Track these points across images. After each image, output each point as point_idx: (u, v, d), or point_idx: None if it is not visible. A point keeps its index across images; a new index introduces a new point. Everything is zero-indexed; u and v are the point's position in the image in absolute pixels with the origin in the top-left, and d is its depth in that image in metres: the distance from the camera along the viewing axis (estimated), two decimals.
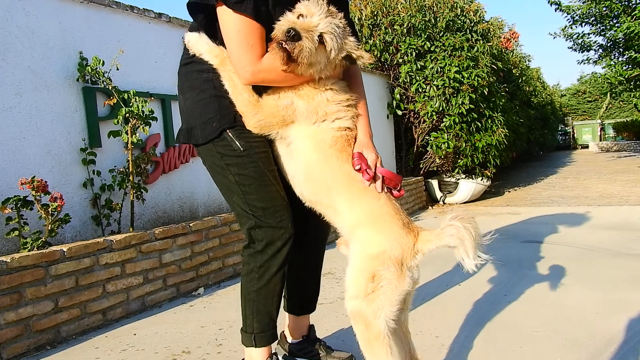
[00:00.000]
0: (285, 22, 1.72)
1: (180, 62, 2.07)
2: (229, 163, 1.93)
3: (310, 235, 2.23)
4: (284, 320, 2.43)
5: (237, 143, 1.90)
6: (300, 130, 1.88)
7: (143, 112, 3.61)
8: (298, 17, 1.72)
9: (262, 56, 1.79)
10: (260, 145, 1.92)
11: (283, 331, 2.44)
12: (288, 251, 1.97)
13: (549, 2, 12.47)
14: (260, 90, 1.90)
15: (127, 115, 3.57)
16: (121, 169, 3.71)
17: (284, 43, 1.69)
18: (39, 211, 3.00)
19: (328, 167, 1.86)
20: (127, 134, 3.62)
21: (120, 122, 3.59)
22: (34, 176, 2.99)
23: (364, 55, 1.85)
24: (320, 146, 1.86)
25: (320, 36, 1.71)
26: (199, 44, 1.93)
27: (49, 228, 3.04)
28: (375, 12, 8.22)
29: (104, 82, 3.59)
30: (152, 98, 4.05)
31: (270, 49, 1.76)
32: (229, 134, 1.91)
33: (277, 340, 2.18)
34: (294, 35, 1.67)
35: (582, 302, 3.07)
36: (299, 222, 2.06)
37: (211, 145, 1.94)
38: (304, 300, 2.38)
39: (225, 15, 1.77)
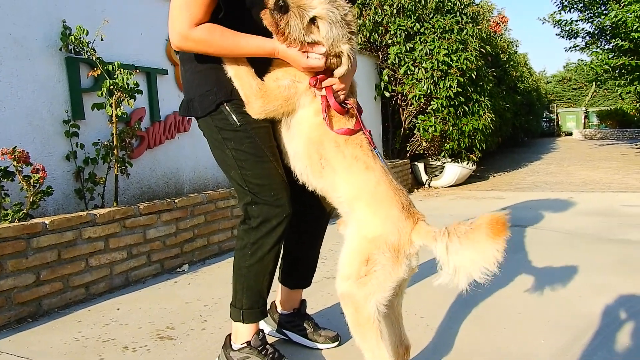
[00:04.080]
0: None
1: None
2: (226, 137, 1.90)
3: (310, 213, 2.21)
4: (276, 291, 2.42)
5: (234, 117, 1.87)
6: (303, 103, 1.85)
7: (128, 84, 3.53)
8: None
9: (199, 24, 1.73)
10: (258, 120, 1.87)
11: (274, 301, 2.44)
12: (283, 230, 1.95)
13: None
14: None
15: (112, 87, 3.49)
16: (105, 143, 3.64)
17: (272, 12, 1.66)
18: (20, 182, 2.94)
19: (325, 133, 1.81)
20: (112, 107, 3.54)
21: (104, 94, 3.51)
22: (15, 146, 2.92)
23: (342, 69, 1.78)
24: (319, 114, 1.83)
25: (314, 19, 1.67)
26: None
27: (31, 200, 2.98)
28: None
29: (88, 53, 3.50)
30: (137, 71, 3.96)
31: (262, 13, 1.72)
32: (226, 107, 1.87)
33: (265, 317, 2.16)
34: (281, 7, 1.63)
35: (565, 286, 3.10)
36: (300, 200, 2.03)
37: (209, 118, 1.91)
38: (299, 276, 2.37)
39: None
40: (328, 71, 1.81)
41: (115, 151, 3.61)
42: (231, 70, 1.84)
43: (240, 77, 1.83)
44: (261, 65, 1.84)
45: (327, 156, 1.81)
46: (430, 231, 1.68)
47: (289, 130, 1.90)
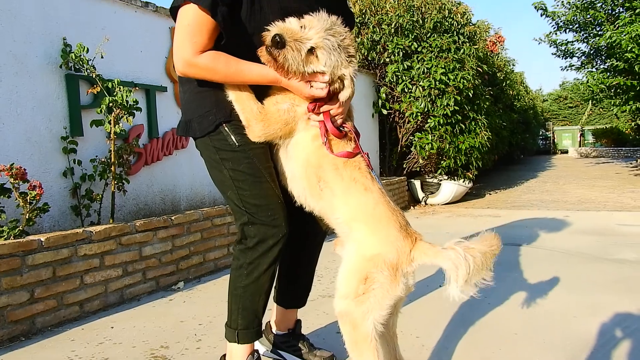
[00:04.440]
0: (276, 28, 1.70)
1: None
2: (224, 157, 1.91)
3: (306, 232, 2.21)
4: (271, 311, 2.41)
5: (233, 138, 1.89)
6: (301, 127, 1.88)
7: (127, 102, 3.55)
8: (301, 27, 1.70)
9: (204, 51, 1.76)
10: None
11: (269, 321, 2.43)
12: (279, 250, 1.96)
13: (535, 8, 12.60)
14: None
15: (111, 104, 3.51)
16: (103, 159, 3.65)
17: (269, 48, 1.70)
18: (16, 199, 2.94)
19: (324, 156, 1.83)
20: (110, 124, 3.56)
21: (103, 111, 3.53)
22: (13, 163, 2.92)
23: (347, 92, 1.82)
24: (317, 138, 1.85)
25: (312, 49, 1.70)
26: None
27: (27, 217, 2.97)
28: (364, 11, 8.22)
29: (88, 70, 3.52)
30: (137, 88, 3.99)
31: (259, 50, 1.76)
32: (225, 128, 1.89)
33: (260, 338, 2.16)
34: (278, 42, 1.67)
35: (560, 305, 3.10)
36: (296, 219, 2.04)
37: (207, 138, 1.93)
38: (295, 295, 2.36)
39: (183, 10, 1.74)
40: (327, 97, 1.84)
41: (112, 168, 3.62)
42: (232, 95, 1.87)
43: (241, 101, 1.86)
44: (260, 88, 1.87)
45: (326, 178, 1.83)
46: (442, 252, 1.70)
47: (287, 152, 1.92)
